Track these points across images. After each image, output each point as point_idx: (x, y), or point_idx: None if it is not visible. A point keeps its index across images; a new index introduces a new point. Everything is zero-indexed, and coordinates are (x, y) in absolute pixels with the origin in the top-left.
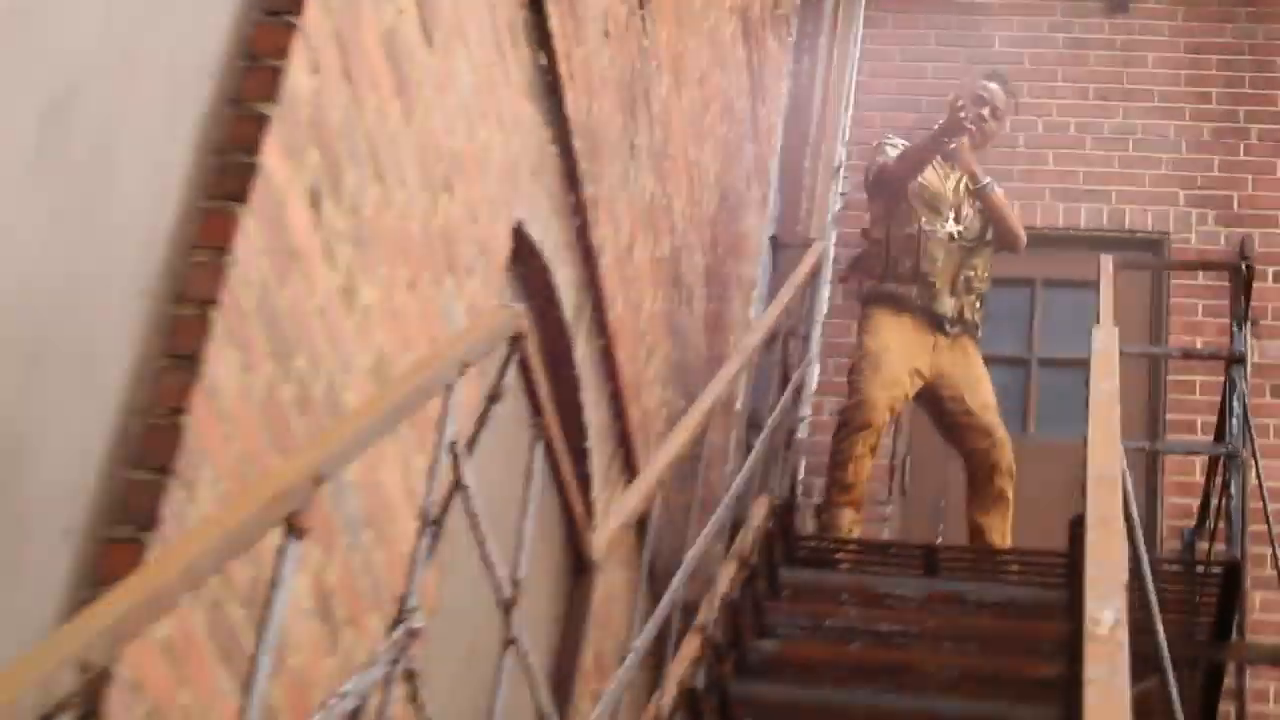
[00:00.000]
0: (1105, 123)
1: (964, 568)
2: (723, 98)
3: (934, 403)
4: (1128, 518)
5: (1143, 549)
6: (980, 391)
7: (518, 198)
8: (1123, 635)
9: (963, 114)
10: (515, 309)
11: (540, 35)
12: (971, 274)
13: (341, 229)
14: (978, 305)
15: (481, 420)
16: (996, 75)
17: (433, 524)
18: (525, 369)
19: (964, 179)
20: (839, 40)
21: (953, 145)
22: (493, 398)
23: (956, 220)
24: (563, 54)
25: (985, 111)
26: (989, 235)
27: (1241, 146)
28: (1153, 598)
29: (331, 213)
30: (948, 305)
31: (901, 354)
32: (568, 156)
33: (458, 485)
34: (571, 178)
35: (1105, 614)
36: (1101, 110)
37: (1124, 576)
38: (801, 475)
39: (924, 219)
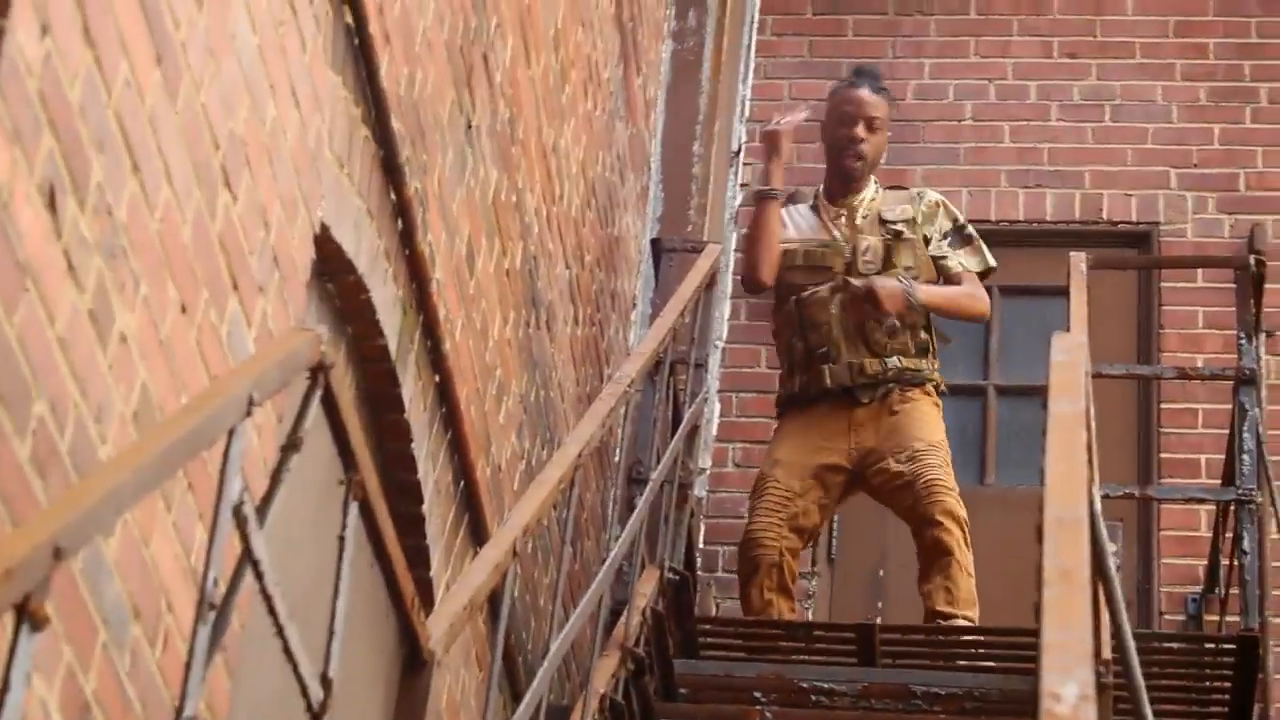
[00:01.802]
0: (1074, 86)
1: (909, 653)
2: (586, 65)
3: (866, 485)
4: (1102, 572)
5: (1123, 613)
6: (909, 441)
7: (321, 195)
8: (1090, 714)
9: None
10: (313, 332)
11: None
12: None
13: (88, 237)
14: (923, 337)
15: (276, 475)
16: (862, 75)
17: (213, 608)
18: (331, 409)
19: (861, 208)
20: None
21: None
22: (290, 446)
23: (851, 264)
24: (374, 10)
25: (859, 129)
26: (894, 259)
27: (1247, 111)
28: (1138, 678)
29: (74, 215)
30: (842, 373)
31: (797, 462)
32: (385, 141)
33: (247, 558)
34: (391, 168)
35: (1067, 689)
36: (1070, 70)
37: (1090, 642)
38: (701, 543)
39: (805, 289)
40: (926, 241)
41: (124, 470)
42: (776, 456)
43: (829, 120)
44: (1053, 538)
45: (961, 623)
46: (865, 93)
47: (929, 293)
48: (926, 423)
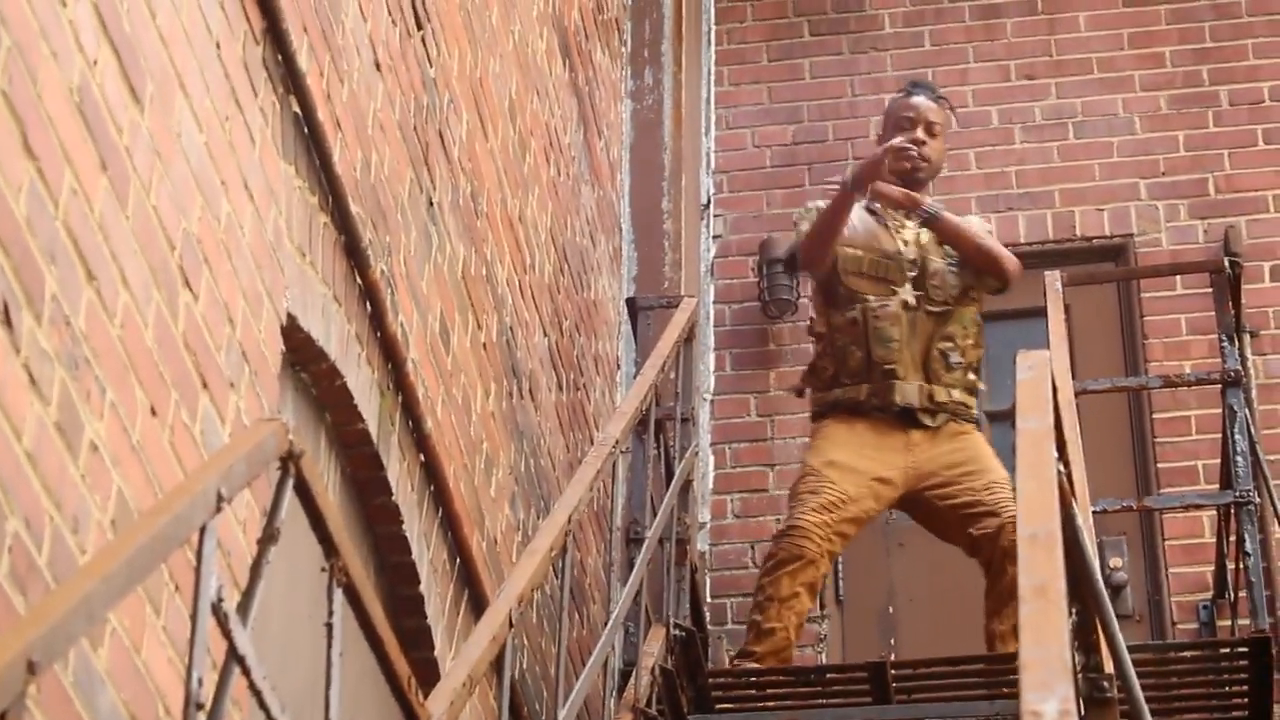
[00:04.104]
0: (1035, 106)
1: (923, 687)
2: (545, 132)
3: (923, 506)
4: (1089, 586)
5: (1114, 624)
6: (984, 472)
7: (285, 285)
8: None
9: (897, 156)
10: (279, 421)
11: (288, 74)
12: (948, 345)
13: (48, 349)
14: (970, 378)
15: (256, 568)
16: (918, 86)
17: (200, 708)
18: (305, 496)
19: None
20: (687, 43)
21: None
22: (267, 538)
23: (918, 284)
24: (321, 96)
25: (919, 133)
26: (973, 291)
27: (1210, 115)
28: (1137, 689)
29: (31, 329)
30: (913, 394)
31: (854, 468)
32: (346, 227)
33: (232, 655)
34: (354, 253)
35: (1047, 706)
36: (1029, 92)
37: (1068, 657)
38: (708, 598)
39: (871, 296)
40: None
41: (93, 578)
42: (831, 458)
43: (887, 129)
44: (1026, 555)
45: None
46: (923, 100)
47: (952, 219)
48: (993, 458)
